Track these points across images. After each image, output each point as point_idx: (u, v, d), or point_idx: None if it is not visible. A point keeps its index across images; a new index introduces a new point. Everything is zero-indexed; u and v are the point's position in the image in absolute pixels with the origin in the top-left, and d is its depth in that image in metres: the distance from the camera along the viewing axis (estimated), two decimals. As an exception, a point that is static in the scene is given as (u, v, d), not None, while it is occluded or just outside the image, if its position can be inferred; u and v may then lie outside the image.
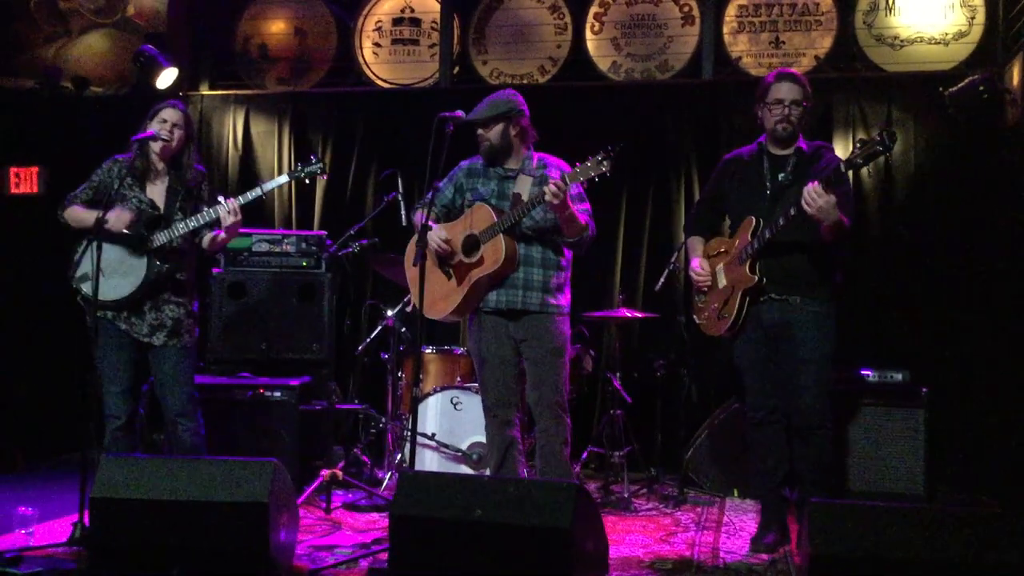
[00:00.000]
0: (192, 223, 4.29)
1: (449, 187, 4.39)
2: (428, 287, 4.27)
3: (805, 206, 3.82)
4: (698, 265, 4.35)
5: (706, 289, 4.35)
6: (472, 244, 4.23)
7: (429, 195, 4.27)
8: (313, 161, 4.45)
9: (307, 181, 4.49)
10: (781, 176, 4.15)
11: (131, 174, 4.33)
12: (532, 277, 4.20)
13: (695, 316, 4.47)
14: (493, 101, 4.24)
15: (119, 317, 4.30)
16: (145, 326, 4.30)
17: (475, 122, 4.24)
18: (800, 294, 4.12)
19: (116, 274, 4.25)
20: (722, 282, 4.27)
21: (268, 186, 4.48)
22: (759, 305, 4.18)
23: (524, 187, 4.19)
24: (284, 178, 4.51)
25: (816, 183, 3.81)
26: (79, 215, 4.34)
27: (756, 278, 4.13)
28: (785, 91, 4.16)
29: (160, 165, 4.39)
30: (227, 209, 4.25)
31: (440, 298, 4.31)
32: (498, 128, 4.23)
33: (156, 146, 4.34)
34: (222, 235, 4.35)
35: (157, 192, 4.37)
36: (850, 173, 4.12)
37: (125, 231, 4.23)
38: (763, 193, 4.17)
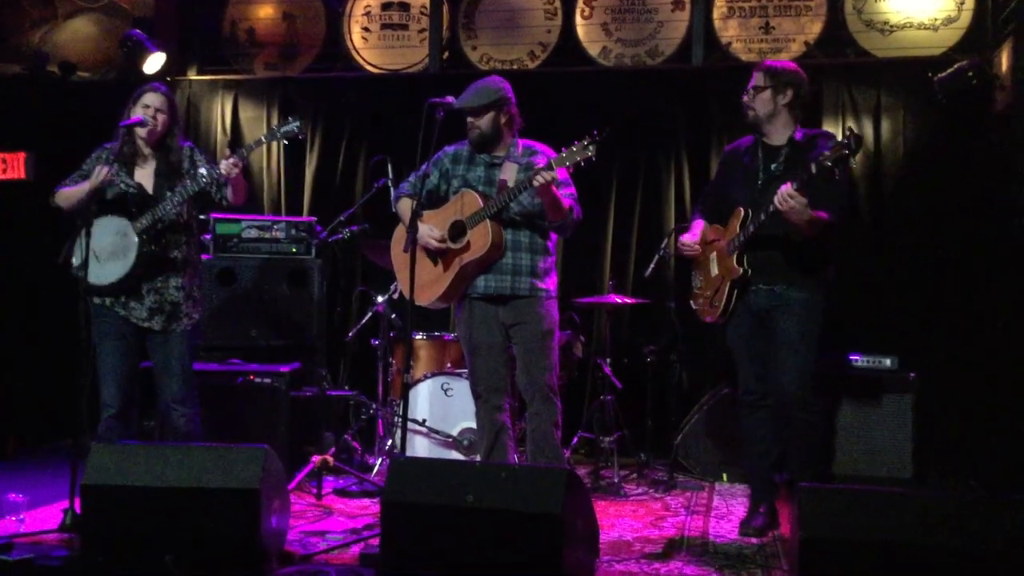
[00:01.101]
0: (176, 197, 4.24)
1: (434, 172, 4.39)
2: (415, 273, 4.28)
3: (778, 205, 3.88)
4: (687, 236, 4.41)
5: (695, 263, 4.37)
6: (459, 230, 4.24)
7: (410, 178, 4.32)
8: (290, 121, 4.29)
9: (285, 141, 4.40)
10: (773, 167, 4.17)
11: (118, 160, 4.31)
12: (521, 262, 4.22)
13: (692, 301, 4.50)
14: (483, 89, 4.24)
15: (117, 302, 4.28)
16: (144, 310, 4.29)
17: (465, 110, 4.24)
18: (786, 284, 4.16)
19: (110, 259, 4.24)
20: (714, 271, 4.31)
21: (253, 144, 4.39)
22: (748, 294, 4.22)
23: (510, 174, 4.20)
24: (260, 139, 4.37)
25: (789, 184, 3.86)
26: (67, 192, 4.35)
27: (741, 270, 4.17)
28: (752, 79, 4.25)
29: (147, 149, 4.37)
30: (229, 162, 4.17)
31: (427, 284, 4.32)
32: (489, 116, 4.24)
33: (142, 131, 4.32)
34: (230, 187, 4.29)
35: (145, 176, 4.36)
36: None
37: (103, 183, 4.18)
38: (754, 184, 4.21)
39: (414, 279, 4.05)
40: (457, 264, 4.23)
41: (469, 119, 4.27)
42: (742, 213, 4.17)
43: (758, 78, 4.23)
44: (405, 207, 4.34)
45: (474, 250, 4.19)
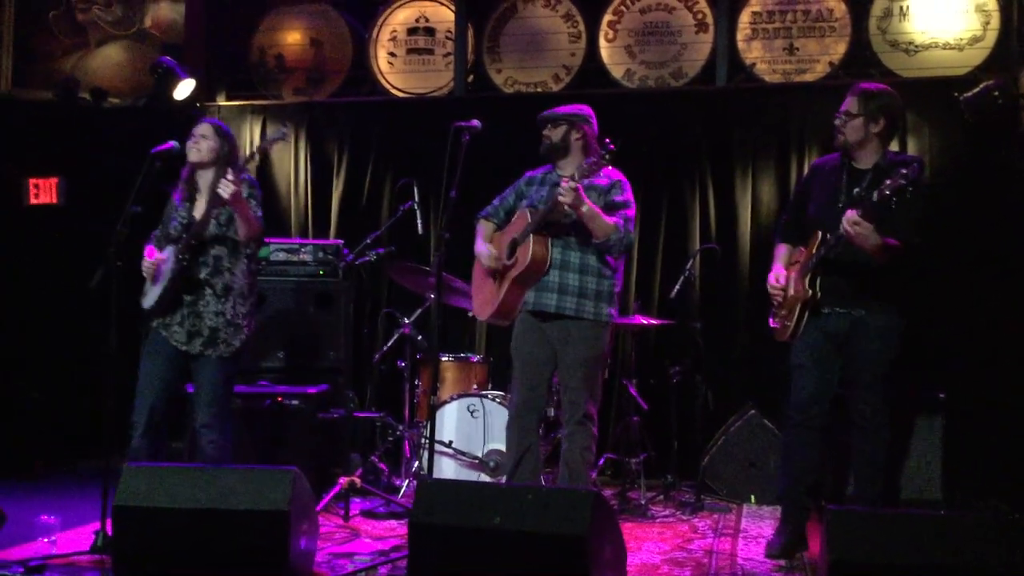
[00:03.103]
0: (197, 214, 4.31)
1: (512, 195, 4.57)
2: (480, 290, 4.51)
3: (844, 231, 3.88)
4: (772, 278, 4.34)
5: (779, 300, 4.34)
6: (512, 247, 4.35)
7: (494, 202, 4.55)
8: (278, 129, 4.47)
9: (270, 148, 4.57)
10: (856, 191, 4.09)
11: (184, 197, 4.43)
12: (568, 282, 4.26)
13: (771, 319, 4.44)
14: (566, 106, 4.44)
15: (162, 324, 4.36)
16: (183, 333, 4.33)
17: (544, 120, 4.41)
18: (865, 308, 4.14)
19: (158, 284, 4.36)
20: (791, 291, 4.28)
21: (247, 155, 4.60)
22: (825, 317, 4.18)
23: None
24: (254, 153, 4.57)
25: (854, 211, 3.87)
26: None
27: (810, 293, 4.14)
28: (844, 103, 4.20)
29: (203, 182, 4.44)
30: (223, 180, 4.17)
31: (487, 301, 4.47)
32: (561, 129, 4.39)
33: (190, 153, 4.40)
34: (237, 217, 4.30)
35: (200, 207, 4.41)
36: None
37: (145, 275, 4.38)
38: (835, 206, 4.11)
39: (440, 295, 4.17)
40: (508, 279, 4.33)
41: (544, 131, 4.42)
42: (819, 236, 4.14)
43: (851, 103, 4.16)
44: (479, 230, 4.54)
45: (519, 264, 4.29)
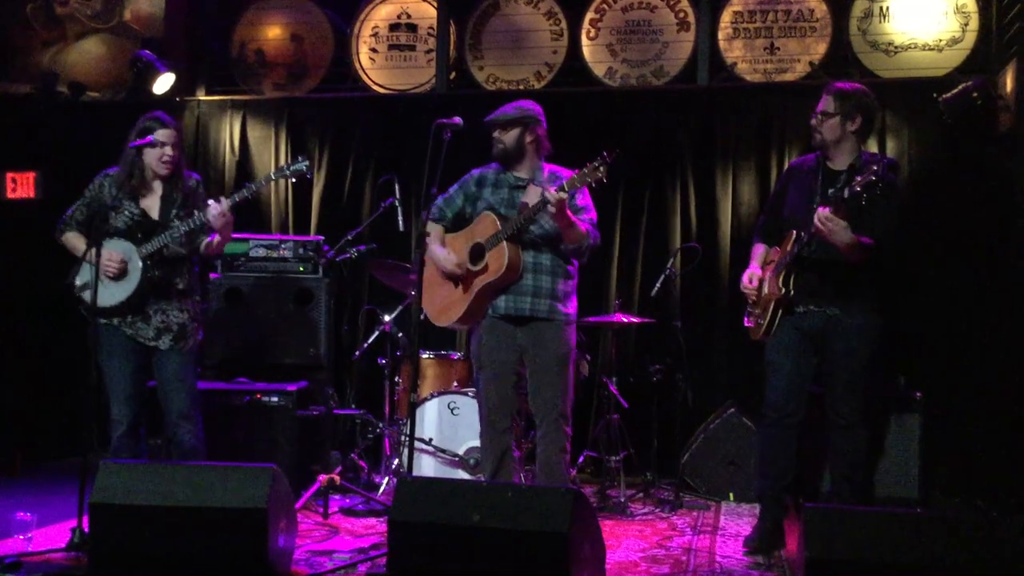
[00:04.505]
0: (183, 227, 4.31)
1: (459, 195, 4.45)
2: (435, 295, 4.36)
3: (816, 227, 3.91)
4: (746, 277, 4.37)
5: (753, 299, 4.37)
6: (478, 252, 4.28)
7: (437, 201, 4.34)
8: (300, 160, 4.40)
9: (293, 180, 4.52)
10: (831, 191, 4.09)
11: (123, 187, 4.36)
12: (542, 284, 4.25)
13: (746, 318, 4.47)
14: (514, 106, 4.33)
15: (124, 322, 4.33)
16: (151, 330, 4.34)
17: (493, 123, 4.32)
18: (839, 307, 4.16)
19: (113, 281, 4.28)
20: (765, 290, 4.30)
21: (254, 185, 4.45)
22: (800, 315, 4.21)
23: (533, 197, 4.21)
24: (270, 176, 4.51)
25: (826, 207, 3.89)
26: (74, 243, 4.41)
27: (783, 291, 4.16)
28: (819, 103, 4.23)
29: (153, 178, 4.41)
30: (216, 211, 4.25)
31: (447, 306, 4.37)
32: (514, 132, 4.31)
33: (160, 168, 4.35)
34: (216, 238, 4.36)
35: (151, 202, 4.41)
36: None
37: (108, 276, 4.25)
38: (810, 206, 4.13)
39: (421, 298, 4.11)
40: (476, 286, 4.27)
41: (495, 134, 4.34)
42: (793, 235, 4.17)
43: (827, 103, 4.20)
44: (430, 231, 4.41)
45: (491, 272, 4.23)
